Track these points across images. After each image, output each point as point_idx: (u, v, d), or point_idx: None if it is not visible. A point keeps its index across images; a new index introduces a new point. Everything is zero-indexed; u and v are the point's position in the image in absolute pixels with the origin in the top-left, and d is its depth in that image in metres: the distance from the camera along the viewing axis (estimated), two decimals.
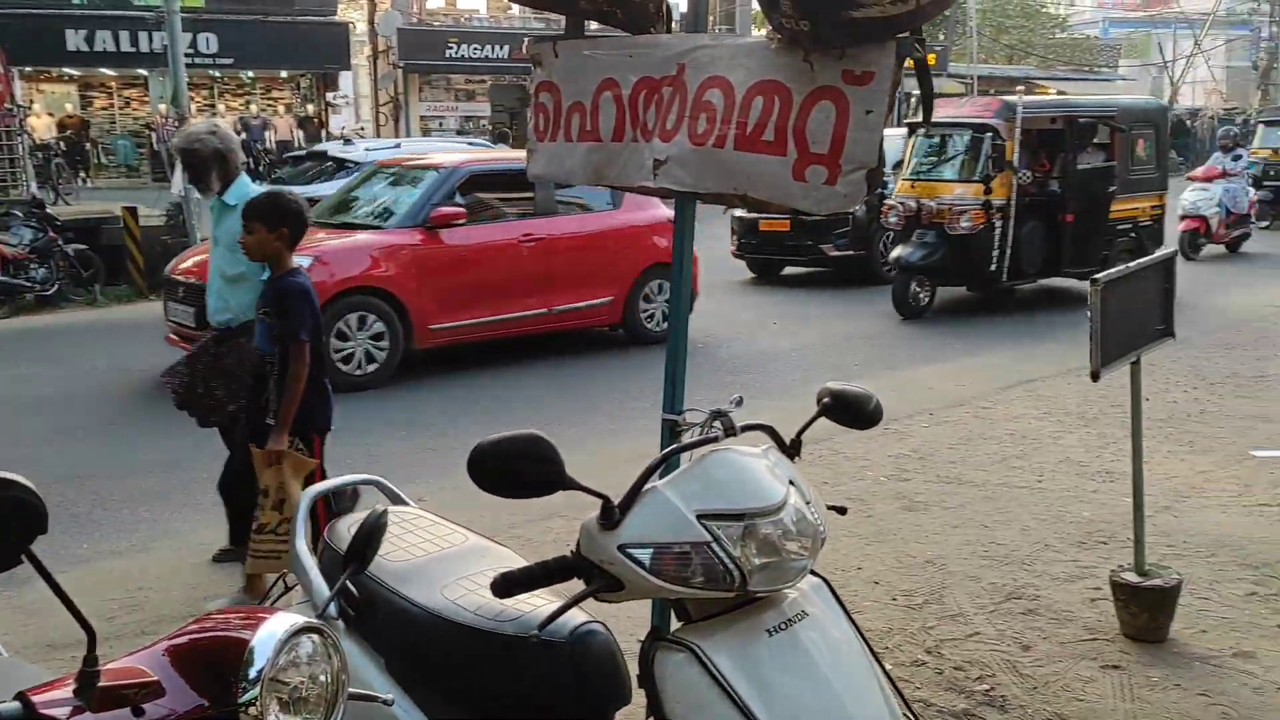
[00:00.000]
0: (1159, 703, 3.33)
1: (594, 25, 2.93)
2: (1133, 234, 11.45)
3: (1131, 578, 3.77)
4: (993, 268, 10.44)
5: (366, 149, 14.70)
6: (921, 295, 10.51)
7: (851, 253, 12.27)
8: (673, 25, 2.62)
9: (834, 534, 4.65)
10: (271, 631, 1.52)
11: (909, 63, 1.94)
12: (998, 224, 10.30)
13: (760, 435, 2.05)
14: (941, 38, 33.09)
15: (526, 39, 2.90)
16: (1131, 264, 3.72)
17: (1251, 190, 15.23)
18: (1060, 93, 35.63)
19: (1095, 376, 3.55)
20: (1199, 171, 15.26)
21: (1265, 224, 16.48)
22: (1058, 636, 3.80)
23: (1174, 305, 3.91)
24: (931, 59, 32.02)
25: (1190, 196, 14.35)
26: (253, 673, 1.48)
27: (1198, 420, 6.64)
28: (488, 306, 8.38)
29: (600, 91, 2.59)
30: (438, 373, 8.25)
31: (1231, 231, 14.59)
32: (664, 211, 9.42)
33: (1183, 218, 14.12)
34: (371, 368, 7.80)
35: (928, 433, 6.47)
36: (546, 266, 8.65)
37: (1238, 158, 14.93)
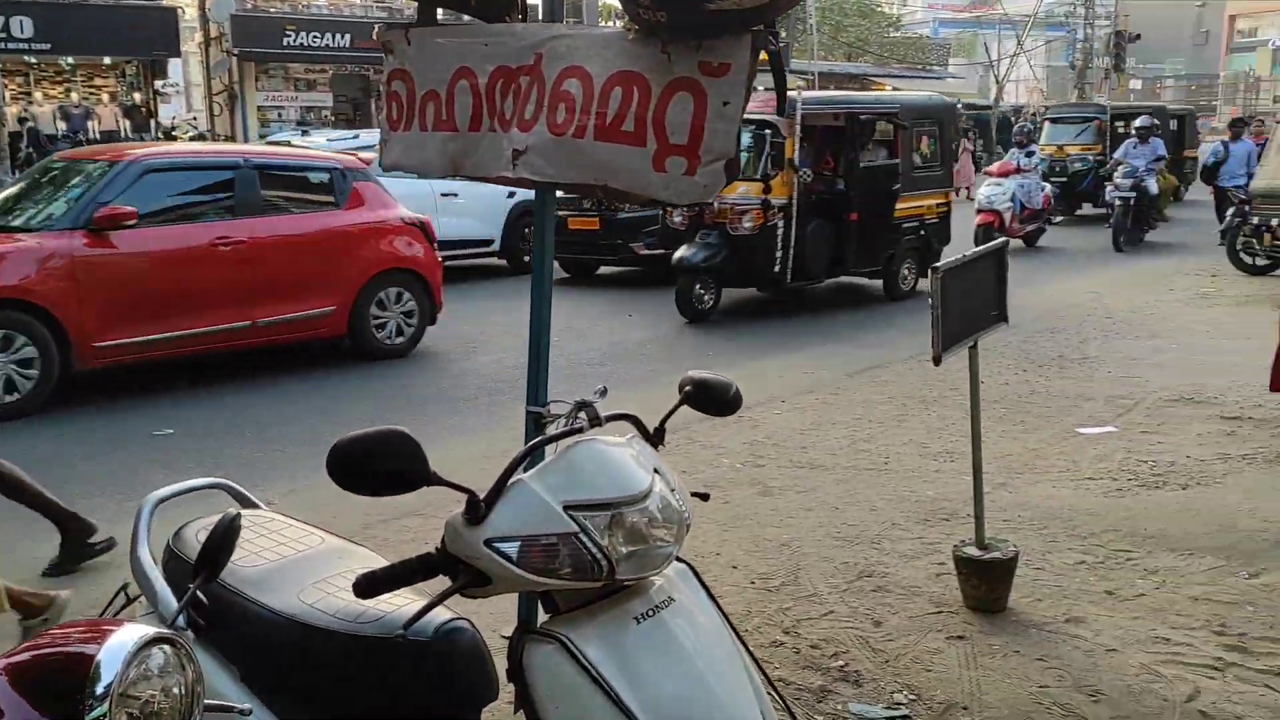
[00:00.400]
0: (1000, 669, 3.51)
1: (441, 14, 2.89)
2: (920, 232, 11.51)
3: (973, 552, 3.96)
4: (776, 268, 10.23)
5: (329, 139, 13.90)
6: (706, 297, 10.09)
7: (661, 251, 11.42)
8: (527, 14, 2.60)
9: (694, 520, 4.75)
10: (120, 643, 1.44)
11: (763, 55, 1.99)
12: (779, 224, 10.08)
13: (625, 425, 2.06)
14: (783, 34, 33.89)
15: (377, 26, 2.83)
16: (968, 253, 3.90)
17: (1046, 186, 15.69)
18: (895, 89, 37.07)
19: (937, 361, 3.70)
20: (994, 167, 15.62)
21: (1058, 219, 17.12)
22: (907, 611, 3.96)
23: (1007, 292, 4.12)
24: None
25: (985, 191, 14.72)
26: (100, 688, 1.40)
27: (1028, 401, 7.02)
28: (171, 320, 7.33)
29: (455, 80, 2.55)
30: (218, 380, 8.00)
31: (1025, 226, 14.91)
32: (400, 211, 8.73)
33: (978, 212, 14.52)
34: (12, 397, 6.69)
35: (780, 419, 6.64)
36: (248, 273, 7.67)
37: (1031, 154, 15.33)
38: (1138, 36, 38.26)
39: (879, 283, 11.67)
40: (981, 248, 4.05)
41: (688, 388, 2.16)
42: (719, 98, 1.99)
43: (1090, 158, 19.11)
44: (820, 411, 6.84)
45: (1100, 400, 6.98)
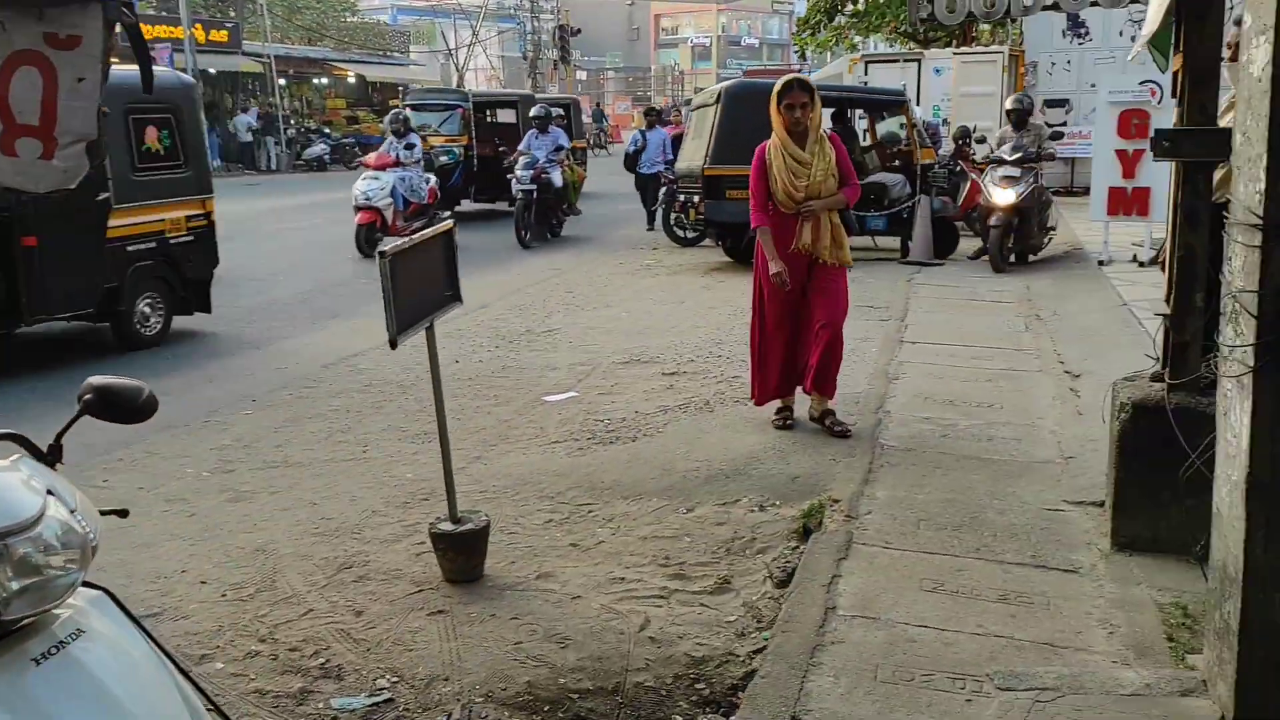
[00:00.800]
0: (478, 635, 3.65)
1: None
2: (163, 256, 8.53)
3: (447, 527, 4.06)
4: None
5: None
6: None
7: None
8: None
9: (155, 539, 4.39)
10: None
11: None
12: None
13: (9, 445, 1.81)
14: (233, 14, 32.13)
15: None
16: (415, 236, 3.96)
17: (430, 178, 14.56)
18: (359, 76, 36.80)
19: (393, 344, 3.73)
20: (371, 158, 14.23)
21: (445, 215, 15.61)
22: (388, 596, 3.96)
23: (458, 272, 4.25)
24: (224, 35, 30.87)
25: (362, 187, 13.36)
26: None
27: (500, 375, 7.36)
28: None
29: None
30: None
31: (412, 223, 13.38)
32: None
33: (357, 210, 13.27)
34: None
35: (251, 420, 6.32)
36: None
37: (412, 145, 14.12)
38: (578, 31, 41.57)
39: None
40: (429, 230, 4.13)
41: (88, 396, 1.95)
42: (72, 73, 1.79)
43: (456, 150, 17.97)
44: (294, 407, 6.62)
45: (564, 369, 7.50)
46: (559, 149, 14.91)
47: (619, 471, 5.27)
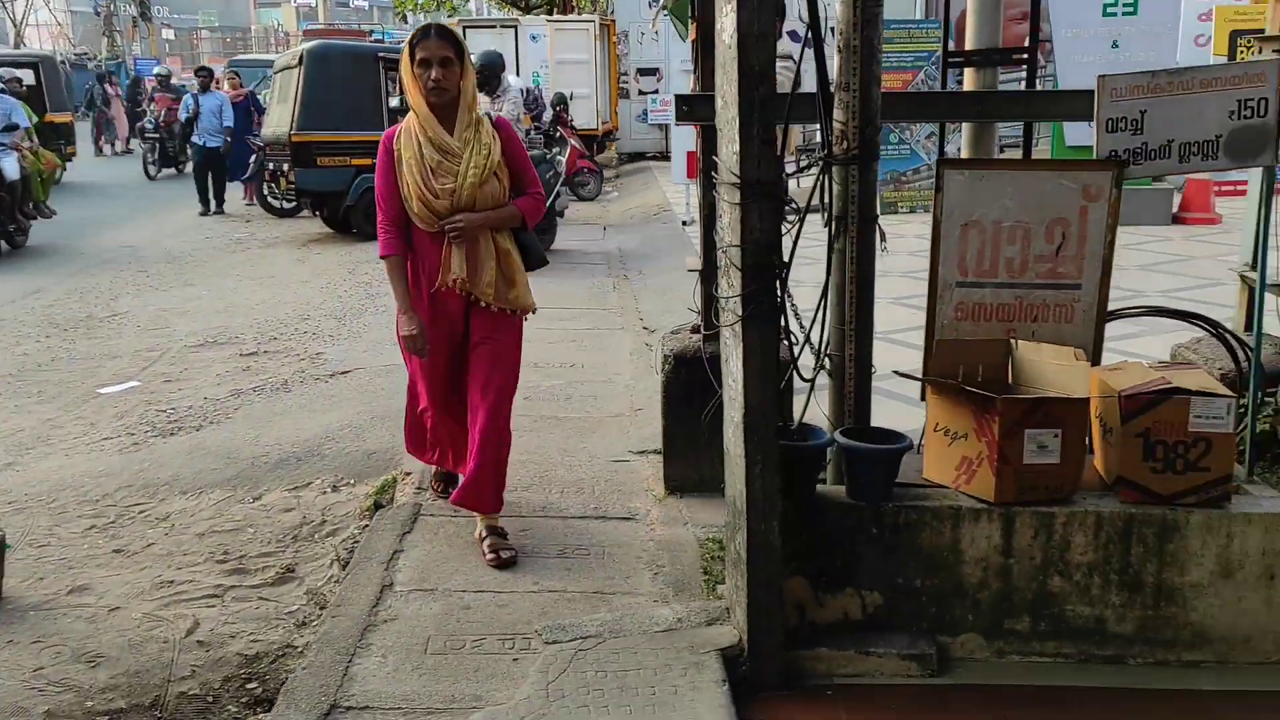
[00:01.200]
0: None
1: None
2: None
3: None
4: None
5: None
6: None
7: None
8: None
9: None
10: None
11: None
12: None
13: None
14: None
15: None
16: None
17: None
18: None
19: None
20: None
21: None
22: None
23: None
24: None
25: None
26: None
27: (49, 369, 6.57)
28: None
29: None
30: None
31: None
32: None
33: None
34: None
35: None
36: None
37: None
38: None
39: None
40: None
41: None
42: None
43: None
44: None
45: (126, 357, 6.83)
46: (11, 128, 10.89)
47: (178, 465, 4.86)
